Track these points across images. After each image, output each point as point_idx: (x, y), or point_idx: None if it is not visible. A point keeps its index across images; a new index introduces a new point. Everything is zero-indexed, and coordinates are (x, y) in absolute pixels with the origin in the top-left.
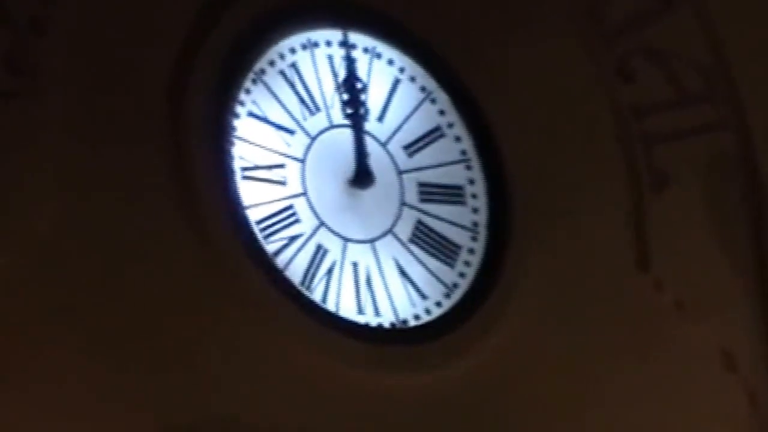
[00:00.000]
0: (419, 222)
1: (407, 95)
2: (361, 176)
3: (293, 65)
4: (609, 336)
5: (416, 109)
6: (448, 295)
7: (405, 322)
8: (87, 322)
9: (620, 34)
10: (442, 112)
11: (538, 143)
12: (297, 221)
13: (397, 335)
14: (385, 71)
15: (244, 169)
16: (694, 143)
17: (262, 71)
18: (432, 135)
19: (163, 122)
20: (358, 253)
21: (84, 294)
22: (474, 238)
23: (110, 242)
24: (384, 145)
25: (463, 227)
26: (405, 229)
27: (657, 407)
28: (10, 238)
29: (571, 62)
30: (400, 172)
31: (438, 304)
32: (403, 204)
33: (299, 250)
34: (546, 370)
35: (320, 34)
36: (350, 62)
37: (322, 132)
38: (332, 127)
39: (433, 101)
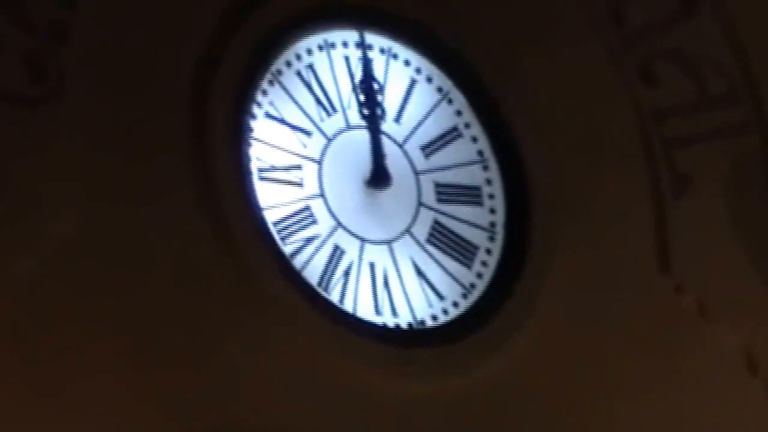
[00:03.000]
0: (436, 222)
1: (424, 96)
2: (378, 177)
3: (310, 66)
4: (630, 339)
5: (433, 109)
6: (465, 296)
7: (422, 322)
8: (109, 326)
9: (642, 36)
10: (458, 113)
11: (558, 144)
12: (314, 222)
13: (417, 336)
14: (402, 72)
15: (261, 170)
16: (717, 146)
17: (279, 72)
18: (449, 135)
19: (185, 125)
20: (375, 253)
21: (106, 297)
22: (491, 239)
23: (132, 244)
24: (401, 145)
25: (480, 228)
26: (422, 230)
27: (680, 408)
28: (36, 242)
29: (591, 63)
30: (417, 173)
31: (455, 304)
32: (420, 204)
33: (316, 251)
34: (566, 372)
35: (337, 35)
36: (367, 63)
37: (338, 133)
38: (349, 128)
39: (450, 102)
